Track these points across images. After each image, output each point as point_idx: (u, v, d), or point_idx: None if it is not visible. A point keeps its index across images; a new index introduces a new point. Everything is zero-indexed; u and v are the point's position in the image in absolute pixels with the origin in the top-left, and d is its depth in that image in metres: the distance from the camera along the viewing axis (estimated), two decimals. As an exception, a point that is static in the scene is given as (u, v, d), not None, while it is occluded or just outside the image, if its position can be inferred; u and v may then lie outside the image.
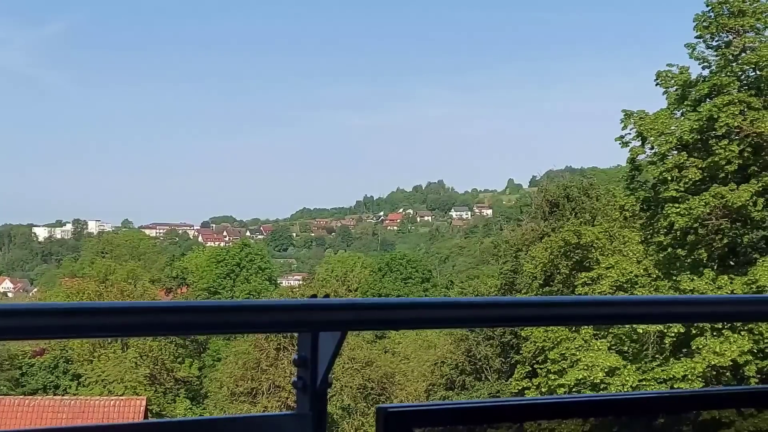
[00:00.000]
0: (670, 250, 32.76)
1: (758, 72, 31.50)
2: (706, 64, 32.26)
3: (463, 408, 2.59)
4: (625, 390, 30.39)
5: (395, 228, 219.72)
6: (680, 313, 3.59)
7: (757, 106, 30.78)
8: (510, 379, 40.22)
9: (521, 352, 38.48)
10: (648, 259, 33.65)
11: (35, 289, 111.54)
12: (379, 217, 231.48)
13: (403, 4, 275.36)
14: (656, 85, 32.88)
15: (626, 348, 33.18)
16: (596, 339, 32.93)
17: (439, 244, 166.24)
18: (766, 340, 29.93)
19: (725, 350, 29.64)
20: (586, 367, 31.82)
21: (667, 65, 32.67)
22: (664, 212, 32.03)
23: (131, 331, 2.42)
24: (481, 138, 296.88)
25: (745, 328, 29.88)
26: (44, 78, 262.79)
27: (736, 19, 31.27)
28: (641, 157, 33.15)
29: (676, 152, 31.92)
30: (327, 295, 2.77)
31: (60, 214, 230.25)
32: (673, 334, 31.00)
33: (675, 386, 29.69)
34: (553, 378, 33.07)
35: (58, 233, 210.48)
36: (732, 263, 32.62)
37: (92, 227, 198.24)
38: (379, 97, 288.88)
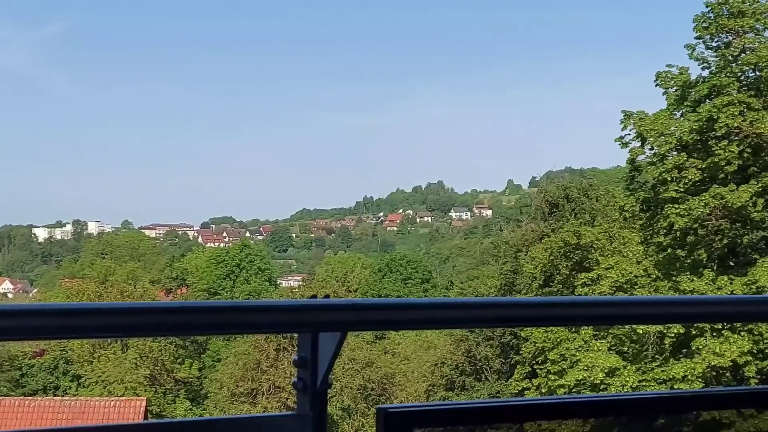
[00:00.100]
0: (669, 250, 32.75)
1: (758, 73, 31.51)
2: (705, 64, 32.29)
3: (464, 408, 2.59)
4: (625, 391, 30.39)
5: (395, 229, 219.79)
6: (680, 313, 3.59)
7: (756, 106, 30.78)
8: (510, 380, 40.21)
9: (521, 352, 38.48)
10: (648, 259, 33.64)
11: (35, 290, 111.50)
12: (379, 217, 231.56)
13: (403, 4, 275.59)
14: (656, 85, 32.92)
15: (626, 348, 33.17)
16: (596, 340, 32.93)
17: (438, 245, 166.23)
18: (765, 341, 29.93)
19: (725, 351, 29.64)
20: (585, 368, 31.81)
21: (667, 66, 32.71)
22: (663, 213, 32.03)
23: (131, 331, 2.43)
24: (481, 138, 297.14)
25: (745, 328, 29.89)
26: (44, 78, 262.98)
27: (736, 19, 31.27)
28: (641, 157, 33.16)
29: (675, 153, 31.93)
30: (327, 296, 2.77)
31: (60, 215, 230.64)
32: (672, 335, 31.00)
33: (675, 387, 29.68)
34: (552, 378, 33.06)
35: (58, 234, 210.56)
36: (732, 264, 32.62)
37: (92, 228, 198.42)
38: (379, 97, 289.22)
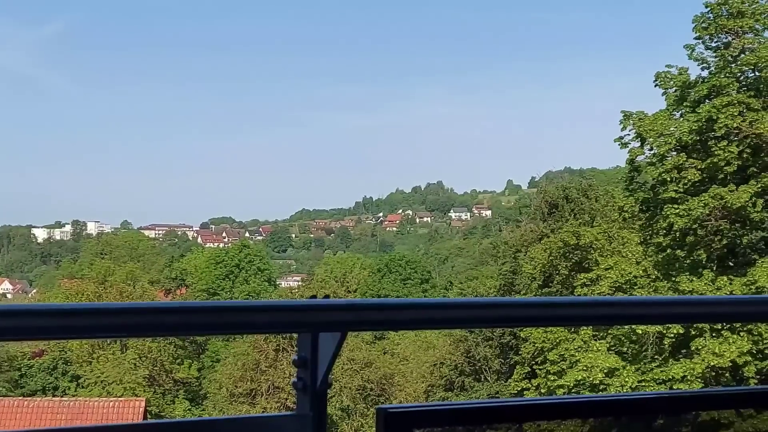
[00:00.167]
0: (669, 251, 32.75)
1: (757, 73, 31.50)
2: (705, 65, 32.29)
3: (463, 408, 2.59)
4: (625, 391, 30.39)
5: (394, 229, 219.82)
6: (679, 313, 3.59)
7: (756, 107, 30.78)
8: (509, 380, 40.20)
9: (520, 353, 38.48)
10: (647, 260, 33.65)
11: (34, 291, 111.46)
12: (378, 218, 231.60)
13: (403, 4, 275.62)
14: (655, 86, 32.92)
15: (625, 349, 33.16)
16: (595, 340, 32.93)
17: (438, 245, 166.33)
18: (765, 341, 29.93)
19: (724, 351, 29.64)
20: (585, 368, 31.81)
21: (666, 66, 32.71)
22: (663, 213, 32.03)
23: (131, 331, 2.42)
24: (481, 138, 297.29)
25: (744, 329, 29.89)
26: (44, 78, 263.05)
27: (735, 20, 31.27)
28: (640, 158, 33.14)
29: (675, 153, 31.93)
30: (327, 296, 2.77)
31: (59, 215, 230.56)
32: (672, 335, 31.00)
33: (674, 387, 29.68)
34: (552, 379, 33.06)
35: (57, 234, 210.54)
36: (731, 264, 32.62)
37: (91, 228, 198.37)
38: (379, 97, 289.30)
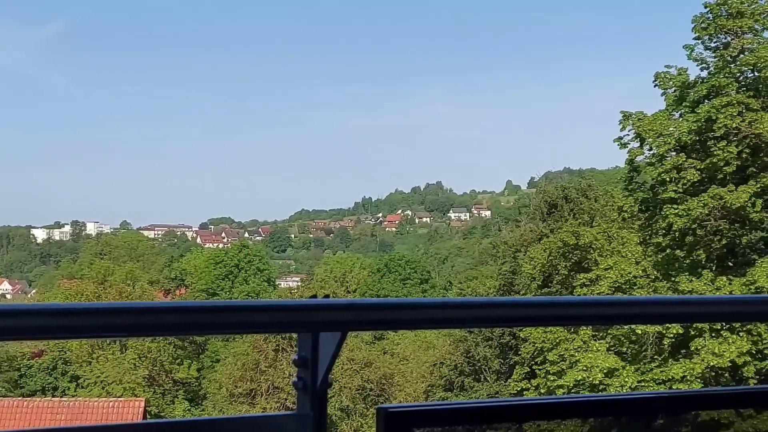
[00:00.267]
0: (668, 251, 32.75)
1: (756, 73, 31.51)
2: (704, 65, 32.29)
3: (463, 408, 2.59)
4: (624, 391, 30.38)
5: (394, 229, 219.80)
6: (679, 313, 3.59)
7: (755, 107, 30.79)
8: (509, 380, 40.21)
9: (520, 353, 38.48)
10: (647, 260, 33.65)
11: (33, 291, 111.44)
12: (378, 218, 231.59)
13: (403, 4, 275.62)
14: (655, 86, 32.93)
15: (625, 349, 33.17)
16: (595, 340, 32.93)
17: (437, 245, 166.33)
18: (764, 341, 29.93)
19: (724, 351, 29.64)
20: (585, 368, 31.81)
21: (666, 66, 32.72)
22: (662, 213, 32.03)
23: (130, 331, 2.42)
24: (481, 138, 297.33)
25: (744, 329, 29.89)
26: (44, 78, 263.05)
27: (735, 20, 31.28)
28: (640, 158, 33.15)
29: (674, 153, 31.93)
30: (327, 296, 2.77)
31: (58, 216, 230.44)
32: (671, 335, 31.00)
33: (674, 387, 29.68)
34: (552, 379, 33.06)
35: (56, 235, 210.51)
36: (730, 264, 32.62)
37: (91, 229, 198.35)
38: (379, 97, 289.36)
